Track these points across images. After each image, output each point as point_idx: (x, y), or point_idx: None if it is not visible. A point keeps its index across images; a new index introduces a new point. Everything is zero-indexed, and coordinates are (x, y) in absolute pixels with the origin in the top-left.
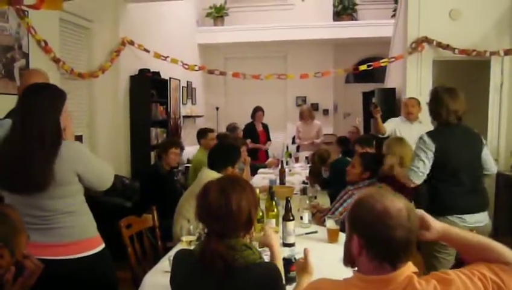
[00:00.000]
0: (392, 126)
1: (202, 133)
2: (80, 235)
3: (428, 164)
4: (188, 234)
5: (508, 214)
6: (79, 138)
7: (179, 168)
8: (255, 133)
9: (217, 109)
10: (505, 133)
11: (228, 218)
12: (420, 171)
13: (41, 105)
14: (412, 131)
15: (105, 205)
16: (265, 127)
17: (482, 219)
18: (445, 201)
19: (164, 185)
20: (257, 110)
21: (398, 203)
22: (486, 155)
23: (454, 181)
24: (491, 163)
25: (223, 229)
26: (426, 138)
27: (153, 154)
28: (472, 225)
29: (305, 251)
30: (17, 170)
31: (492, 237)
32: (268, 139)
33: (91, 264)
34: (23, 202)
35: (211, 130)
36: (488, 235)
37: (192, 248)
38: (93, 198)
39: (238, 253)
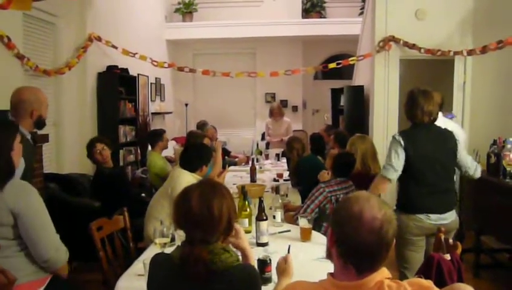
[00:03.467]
0: None
1: (158, 136)
2: None
3: (401, 161)
4: (161, 236)
5: (472, 209)
6: (45, 138)
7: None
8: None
9: (186, 105)
10: (468, 130)
11: (210, 224)
12: (394, 168)
13: None
14: None
15: (72, 205)
16: (225, 152)
17: (448, 216)
18: (414, 201)
19: (115, 187)
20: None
21: (376, 212)
22: (462, 156)
23: (424, 182)
24: (468, 163)
25: (204, 235)
26: (398, 137)
27: (121, 152)
28: (437, 223)
29: (287, 256)
30: None
31: (458, 232)
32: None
33: None
34: None
35: (164, 131)
36: (454, 231)
37: (165, 249)
38: (60, 198)
39: (216, 256)
